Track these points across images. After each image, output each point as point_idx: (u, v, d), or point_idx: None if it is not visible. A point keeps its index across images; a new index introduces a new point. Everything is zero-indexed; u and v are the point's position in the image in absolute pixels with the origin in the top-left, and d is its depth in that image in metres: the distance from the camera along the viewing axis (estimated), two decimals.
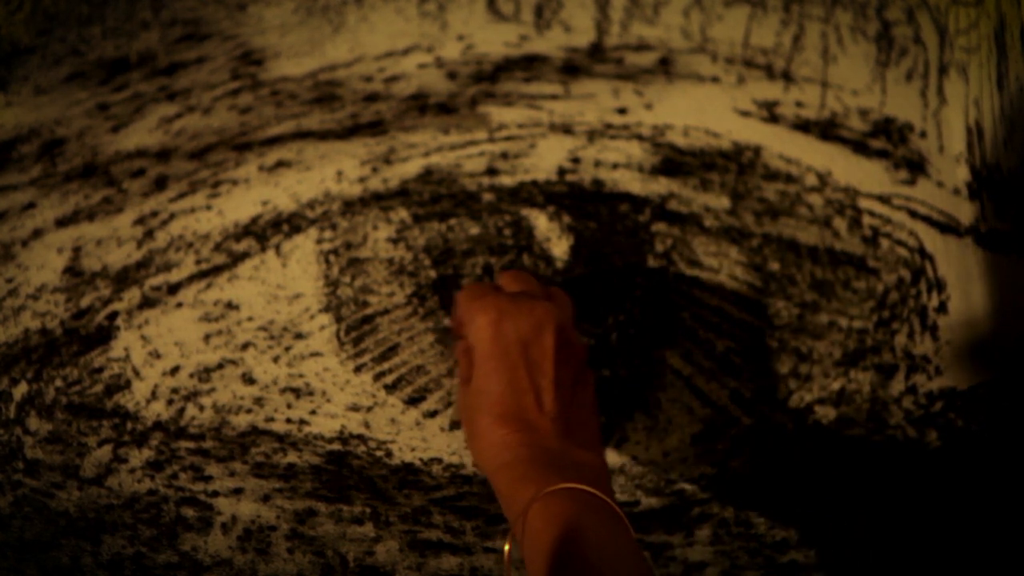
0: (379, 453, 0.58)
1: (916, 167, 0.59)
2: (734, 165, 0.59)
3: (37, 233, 0.58)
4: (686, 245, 0.59)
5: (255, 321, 0.58)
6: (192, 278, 0.58)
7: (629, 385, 0.58)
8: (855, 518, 0.59)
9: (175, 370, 0.58)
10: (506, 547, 0.44)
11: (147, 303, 0.58)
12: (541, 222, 0.59)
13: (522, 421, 0.47)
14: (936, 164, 0.60)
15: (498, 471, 0.47)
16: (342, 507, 0.57)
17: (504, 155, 0.59)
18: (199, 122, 0.59)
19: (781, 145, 0.59)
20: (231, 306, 0.58)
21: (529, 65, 0.59)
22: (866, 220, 0.59)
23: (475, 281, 0.56)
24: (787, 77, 0.59)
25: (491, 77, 0.59)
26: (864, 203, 0.59)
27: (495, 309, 0.49)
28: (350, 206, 0.59)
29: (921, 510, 0.59)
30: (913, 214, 0.59)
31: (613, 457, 0.58)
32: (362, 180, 0.59)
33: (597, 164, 0.59)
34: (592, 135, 0.59)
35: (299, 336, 0.58)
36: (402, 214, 0.59)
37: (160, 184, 0.59)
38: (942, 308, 0.59)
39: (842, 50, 0.60)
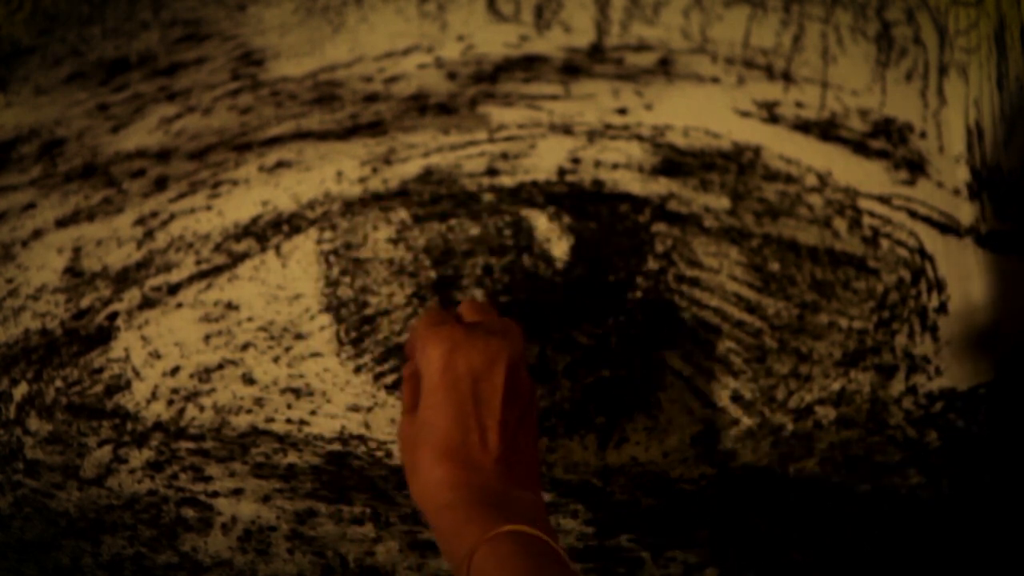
0: (379, 453, 0.58)
1: (916, 167, 0.59)
2: (734, 165, 0.59)
3: (37, 233, 0.58)
4: (686, 245, 0.59)
5: (255, 321, 0.58)
6: (192, 278, 0.58)
7: (629, 385, 0.58)
8: (855, 518, 0.59)
9: (175, 370, 0.58)
10: None
11: (147, 303, 0.58)
12: (541, 222, 0.59)
13: (465, 459, 0.47)
14: (936, 164, 0.60)
15: (439, 510, 0.46)
16: (342, 507, 0.57)
17: (504, 155, 0.59)
18: (199, 122, 0.59)
19: (781, 145, 0.59)
20: (231, 306, 0.58)
21: (529, 65, 0.59)
22: (866, 220, 0.59)
23: (434, 308, 0.56)
24: (787, 77, 0.59)
25: (491, 77, 0.59)
26: (864, 203, 0.59)
27: (449, 340, 0.48)
28: (350, 206, 0.59)
29: (920, 510, 0.59)
30: (913, 214, 0.59)
31: (613, 457, 0.58)
32: (362, 180, 0.59)
33: (597, 164, 0.59)
34: (592, 135, 0.59)
35: (299, 336, 0.58)
36: (402, 214, 0.59)
37: (160, 184, 0.59)
38: (942, 308, 0.59)
39: (842, 50, 0.60)
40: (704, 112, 0.59)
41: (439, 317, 0.50)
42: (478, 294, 0.58)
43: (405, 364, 0.52)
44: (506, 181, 0.59)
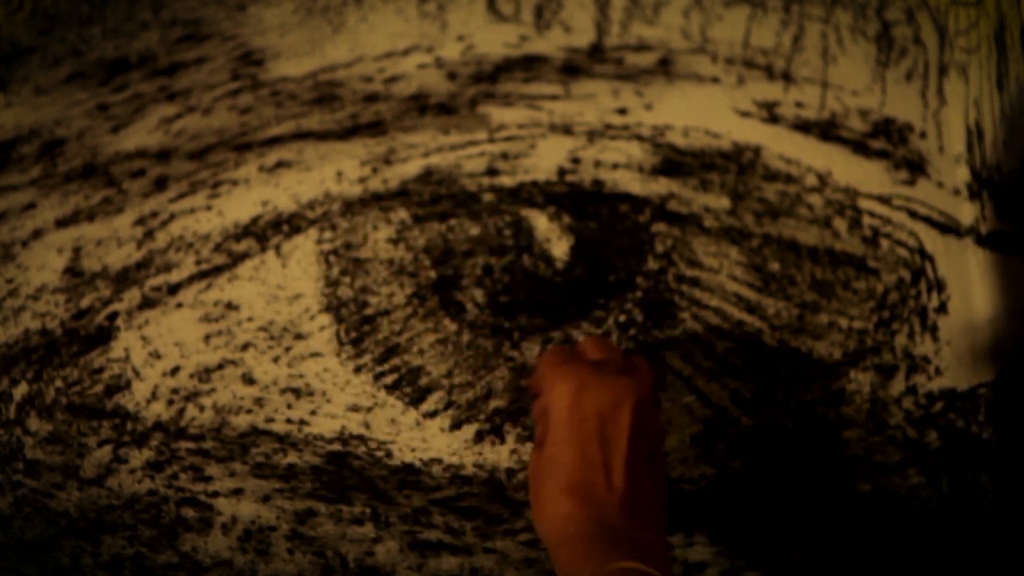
0: (379, 454, 0.58)
1: (916, 167, 0.59)
2: (734, 165, 0.59)
3: (37, 233, 0.58)
4: (686, 245, 0.59)
5: (255, 321, 0.58)
6: (192, 278, 0.58)
7: None
8: (854, 518, 0.59)
9: (175, 370, 0.58)
10: None
11: (147, 303, 0.58)
12: (541, 222, 0.59)
13: (589, 496, 0.47)
14: (936, 164, 0.60)
15: (560, 544, 0.46)
16: (342, 507, 0.57)
17: (504, 155, 0.59)
18: (199, 122, 0.59)
19: (781, 145, 0.59)
20: (231, 306, 0.58)
21: (529, 65, 0.59)
22: (866, 220, 0.59)
23: (560, 345, 0.56)
24: (787, 77, 0.59)
25: (491, 77, 0.59)
26: (864, 203, 0.59)
27: (577, 379, 0.48)
28: (350, 206, 0.59)
29: (921, 510, 0.59)
30: (913, 214, 0.59)
31: None
32: (362, 180, 0.59)
33: (597, 164, 0.59)
34: (592, 135, 0.59)
35: (299, 336, 0.58)
36: (402, 214, 0.59)
37: (160, 184, 0.59)
38: (942, 308, 0.59)
39: (842, 50, 0.60)
40: (704, 112, 0.59)
41: (565, 355, 0.50)
42: (595, 333, 0.57)
43: (533, 401, 0.52)
44: (506, 181, 0.59)
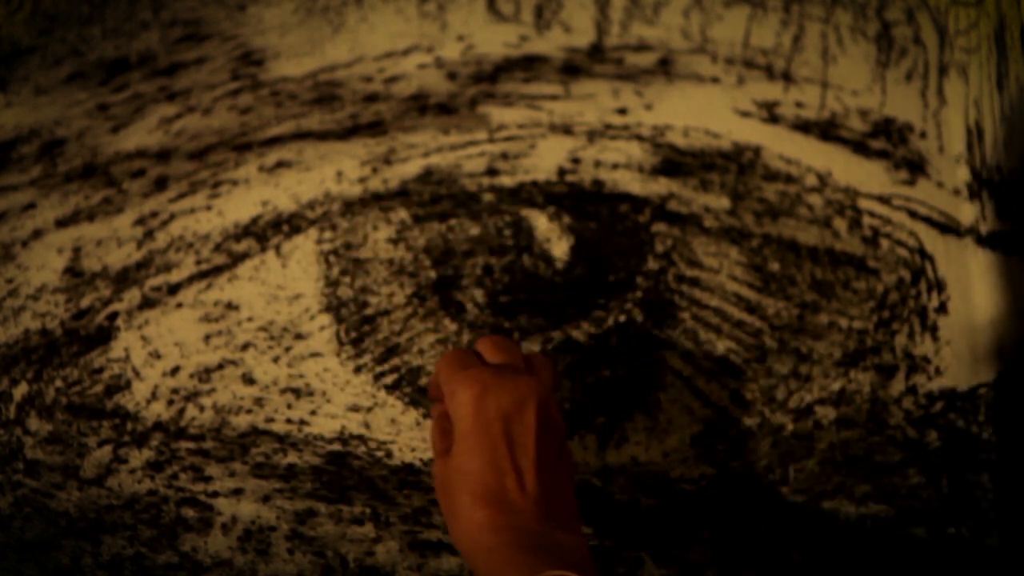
0: (379, 453, 0.58)
1: (916, 167, 0.59)
2: (734, 165, 0.59)
3: (37, 233, 0.58)
4: (686, 245, 0.59)
5: (255, 321, 0.58)
6: (192, 278, 0.58)
7: (629, 385, 0.58)
8: (854, 518, 0.59)
9: (175, 370, 0.58)
10: None
11: (147, 303, 0.58)
12: (541, 222, 0.59)
13: (504, 503, 0.46)
14: (936, 164, 0.60)
15: (479, 555, 0.46)
16: (342, 507, 0.57)
17: (504, 155, 0.59)
18: (199, 122, 0.59)
19: (781, 145, 0.59)
20: (231, 306, 0.58)
21: (529, 65, 0.59)
22: (866, 220, 0.59)
23: (458, 348, 0.56)
24: (787, 77, 0.59)
25: (491, 77, 0.59)
26: (864, 203, 0.59)
27: (478, 383, 0.47)
28: (350, 206, 0.59)
29: (921, 511, 0.59)
30: (913, 214, 0.59)
31: (613, 457, 0.58)
32: (362, 180, 0.59)
33: (597, 164, 0.59)
34: (592, 135, 0.59)
35: (299, 336, 0.58)
36: (402, 214, 0.59)
37: (160, 184, 0.59)
38: (942, 308, 0.59)
39: (842, 50, 0.60)
40: (704, 112, 0.59)
41: (463, 360, 0.49)
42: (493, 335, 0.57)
43: (432, 406, 0.52)
44: (506, 181, 0.59)
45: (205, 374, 0.58)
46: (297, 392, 0.58)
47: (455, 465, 0.48)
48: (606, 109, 0.59)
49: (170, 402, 0.58)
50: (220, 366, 0.58)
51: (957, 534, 0.58)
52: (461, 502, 0.47)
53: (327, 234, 0.58)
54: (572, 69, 0.59)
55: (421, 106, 0.59)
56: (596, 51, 0.59)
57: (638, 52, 0.59)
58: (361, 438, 0.58)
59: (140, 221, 0.59)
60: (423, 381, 0.58)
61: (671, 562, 0.58)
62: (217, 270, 0.58)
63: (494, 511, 0.46)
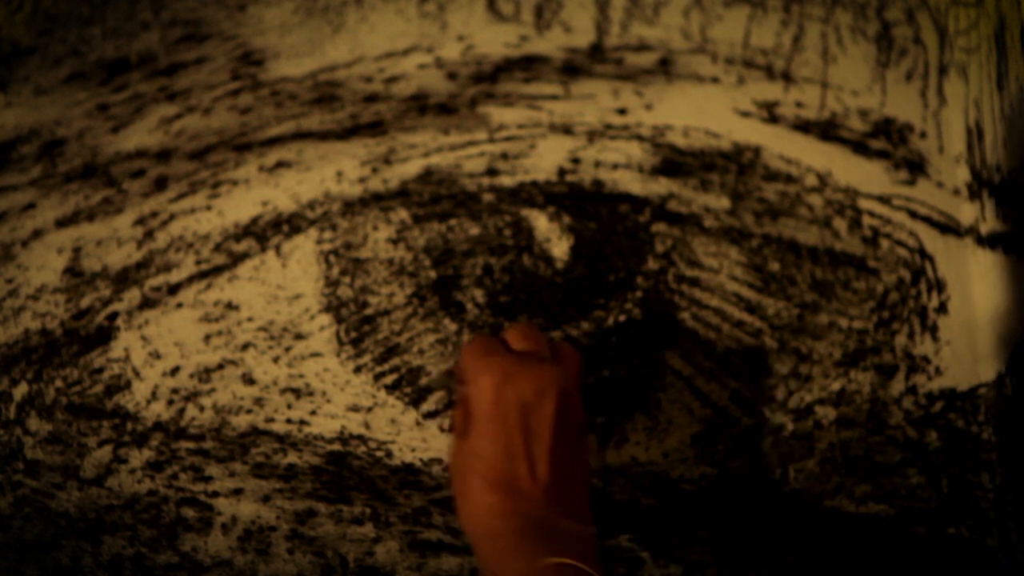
0: (379, 454, 0.58)
1: (916, 167, 0.59)
2: (734, 165, 0.59)
3: (37, 233, 0.58)
4: (686, 245, 0.59)
5: (255, 322, 0.58)
6: (192, 278, 0.58)
7: (629, 385, 0.58)
8: (854, 518, 0.59)
9: (175, 370, 0.58)
10: None
11: (147, 303, 0.58)
12: (541, 222, 0.59)
13: (514, 489, 0.47)
14: (936, 164, 0.60)
15: (484, 538, 0.46)
16: (342, 507, 0.57)
17: (504, 155, 0.59)
18: (199, 122, 0.59)
19: (781, 145, 0.59)
20: (231, 306, 0.58)
21: (529, 65, 0.59)
22: (866, 220, 0.59)
23: (484, 335, 0.56)
24: (787, 77, 0.59)
25: (491, 77, 0.59)
26: (864, 203, 0.59)
27: (500, 370, 0.48)
28: (350, 206, 0.59)
29: (921, 511, 0.59)
30: (913, 214, 0.59)
31: (613, 457, 0.58)
32: (362, 180, 0.59)
33: (597, 164, 0.59)
34: (592, 135, 0.59)
35: (299, 336, 0.58)
36: (402, 214, 0.59)
37: (160, 184, 0.59)
38: (942, 308, 0.59)
39: (842, 50, 0.60)
40: (704, 112, 0.59)
41: (488, 345, 0.50)
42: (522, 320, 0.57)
43: (457, 388, 0.52)
44: (506, 181, 0.59)
45: (205, 374, 0.58)
46: (297, 392, 0.58)
47: (470, 448, 0.48)
48: (606, 109, 0.59)
49: (170, 402, 0.58)
50: (220, 366, 0.58)
51: (957, 534, 0.58)
52: (472, 484, 0.47)
53: (327, 234, 0.58)
54: (572, 69, 0.59)
55: (421, 106, 0.59)
56: (596, 51, 0.59)
57: (638, 52, 0.59)
58: (361, 438, 0.58)
59: (140, 221, 0.59)
60: (423, 381, 0.58)
61: (671, 562, 0.58)
62: (217, 270, 0.58)
63: (503, 496, 0.47)
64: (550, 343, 0.51)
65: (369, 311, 0.58)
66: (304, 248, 0.58)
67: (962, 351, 0.59)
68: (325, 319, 0.58)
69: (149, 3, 0.59)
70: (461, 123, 0.59)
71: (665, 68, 0.59)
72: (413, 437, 0.58)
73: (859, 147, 0.59)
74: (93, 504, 0.57)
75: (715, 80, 0.59)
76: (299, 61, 0.59)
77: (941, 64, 0.60)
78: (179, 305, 0.58)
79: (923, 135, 0.60)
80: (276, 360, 0.58)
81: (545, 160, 0.59)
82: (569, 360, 0.50)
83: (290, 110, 0.59)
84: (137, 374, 0.58)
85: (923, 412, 0.59)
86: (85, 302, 0.58)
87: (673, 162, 0.59)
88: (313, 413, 0.58)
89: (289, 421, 0.58)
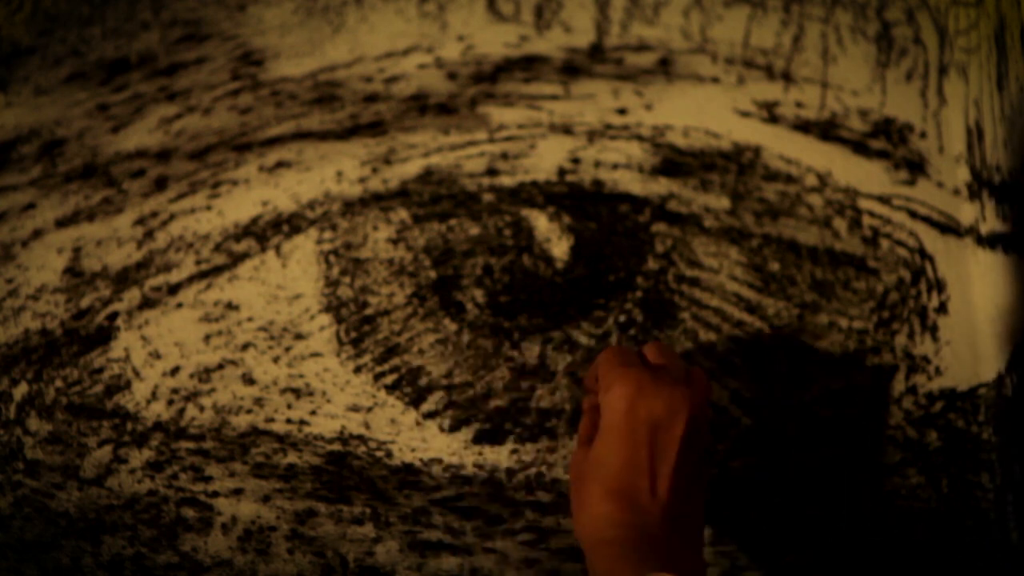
0: (379, 454, 0.58)
1: (916, 167, 0.59)
2: (734, 165, 0.59)
3: (37, 233, 0.58)
4: (686, 245, 0.59)
5: (255, 322, 0.58)
6: (192, 278, 0.58)
7: None
8: (854, 518, 0.59)
9: (175, 370, 0.58)
10: None
11: (147, 303, 0.58)
12: (541, 222, 0.59)
13: (632, 501, 0.47)
14: (936, 164, 0.60)
15: (597, 546, 0.46)
16: (342, 507, 0.57)
17: (504, 155, 0.59)
18: (199, 122, 0.59)
19: (781, 145, 0.59)
20: (231, 306, 0.58)
21: (529, 65, 0.59)
22: (866, 220, 0.59)
23: (621, 346, 0.56)
24: (787, 77, 0.59)
25: (491, 77, 0.59)
26: (864, 203, 0.59)
27: (635, 383, 0.48)
28: (350, 206, 0.59)
29: (920, 510, 0.59)
30: (913, 214, 0.59)
31: None
32: (362, 180, 0.59)
33: (597, 164, 0.59)
34: (592, 135, 0.59)
35: (299, 336, 0.58)
36: (402, 214, 0.59)
37: (160, 185, 0.59)
38: (942, 308, 0.59)
39: (842, 50, 0.60)
40: (704, 112, 0.59)
41: (624, 357, 0.50)
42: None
43: (585, 397, 0.52)
44: (506, 181, 0.59)
45: (205, 374, 0.58)
46: (297, 392, 0.58)
47: (594, 456, 0.48)
48: (606, 109, 0.59)
49: (170, 402, 0.58)
50: (220, 366, 0.58)
51: (957, 534, 0.58)
52: (591, 491, 0.48)
53: (327, 234, 0.58)
54: (572, 69, 0.59)
55: (421, 106, 0.59)
56: (596, 51, 0.59)
57: (638, 52, 0.59)
58: (361, 438, 0.58)
59: (140, 221, 0.59)
60: (423, 381, 0.58)
61: None
62: (217, 270, 0.58)
63: (621, 506, 0.47)
64: (683, 364, 0.51)
65: (369, 311, 0.58)
66: (304, 248, 0.58)
67: (962, 351, 0.59)
68: (325, 319, 0.58)
69: (149, 3, 0.59)
70: (461, 123, 0.59)
71: (665, 68, 0.59)
72: (413, 437, 0.58)
73: (859, 147, 0.59)
74: (93, 504, 0.57)
75: (715, 80, 0.59)
76: (299, 61, 0.59)
77: (941, 64, 0.60)
78: (179, 305, 0.58)
79: (923, 135, 0.60)
80: (276, 360, 0.58)
81: (545, 160, 0.59)
82: (700, 385, 0.50)
83: (290, 110, 0.59)
84: (137, 374, 0.58)
85: (923, 412, 0.59)
86: (85, 302, 0.58)
87: (673, 162, 0.59)
88: (313, 413, 0.58)
89: (289, 421, 0.58)
